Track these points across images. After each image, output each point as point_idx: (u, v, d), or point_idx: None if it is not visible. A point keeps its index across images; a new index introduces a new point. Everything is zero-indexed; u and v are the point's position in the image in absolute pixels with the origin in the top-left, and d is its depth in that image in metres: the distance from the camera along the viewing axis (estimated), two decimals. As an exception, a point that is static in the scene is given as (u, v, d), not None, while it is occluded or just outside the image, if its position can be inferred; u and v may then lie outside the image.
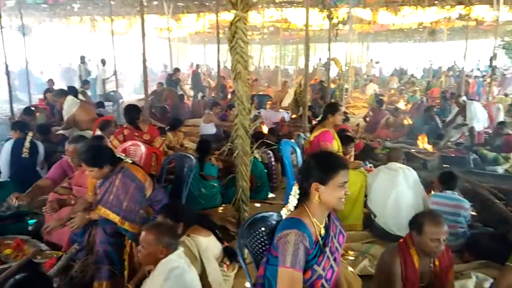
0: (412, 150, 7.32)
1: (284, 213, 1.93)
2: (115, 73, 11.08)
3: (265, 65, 28.33)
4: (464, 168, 6.31)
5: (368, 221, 4.28)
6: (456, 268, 3.44)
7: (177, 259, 2.14)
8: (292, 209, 1.89)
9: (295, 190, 1.89)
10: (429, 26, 15.03)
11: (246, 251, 2.15)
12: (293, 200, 1.89)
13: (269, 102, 10.62)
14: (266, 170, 5.12)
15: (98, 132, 4.82)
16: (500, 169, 6.38)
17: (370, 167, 5.04)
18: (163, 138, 5.24)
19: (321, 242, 1.83)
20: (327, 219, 1.92)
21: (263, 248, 2.11)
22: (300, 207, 1.86)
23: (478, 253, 3.57)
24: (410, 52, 29.50)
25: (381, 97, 12.42)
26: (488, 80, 11.29)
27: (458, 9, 11.99)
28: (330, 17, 8.78)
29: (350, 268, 3.36)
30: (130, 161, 3.16)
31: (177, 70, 12.80)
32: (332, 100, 9.96)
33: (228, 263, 3.07)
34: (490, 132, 8.07)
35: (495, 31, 9.80)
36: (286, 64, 31.23)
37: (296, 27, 15.44)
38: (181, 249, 2.24)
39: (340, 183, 1.79)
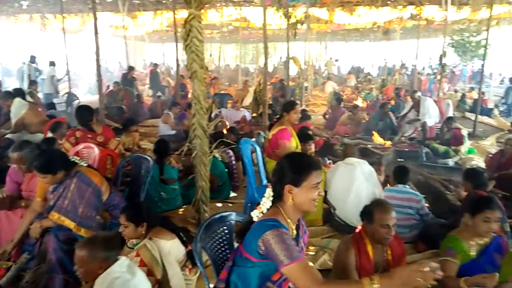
0: (369, 145, 7.60)
1: (256, 214, 1.89)
2: (68, 73, 10.61)
3: (226, 64, 28.31)
4: (417, 162, 6.62)
5: (328, 216, 4.36)
6: (410, 258, 3.59)
7: (117, 269, 2.04)
8: (265, 211, 1.87)
9: (268, 192, 1.88)
10: (383, 26, 15.55)
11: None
12: (266, 202, 1.87)
13: (230, 101, 10.61)
14: (227, 170, 5.10)
15: (50, 135, 4.62)
16: (450, 162, 6.73)
17: (329, 163, 5.11)
18: (119, 139, 5.07)
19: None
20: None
21: (223, 249, 2.07)
22: (275, 208, 1.84)
23: (431, 243, 3.72)
24: (366, 51, 30.49)
25: (339, 95, 12.74)
26: (439, 77, 11.85)
27: (409, 9, 12.49)
28: (287, 17, 8.87)
29: (310, 263, 3.43)
30: (85, 165, 3.05)
31: (131, 68, 12.46)
32: (292, 98, 10.09)
33: (190, 266, 3.02)
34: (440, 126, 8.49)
35: (444, 30, 10.28)
36: (247, 63, 31.36)
37: (255, 26, 15.49)
38: (123, 259, 2.14)
39: (313, 184, 1.78)
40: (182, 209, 4.52)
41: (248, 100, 8.95)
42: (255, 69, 23.11)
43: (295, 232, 1.85)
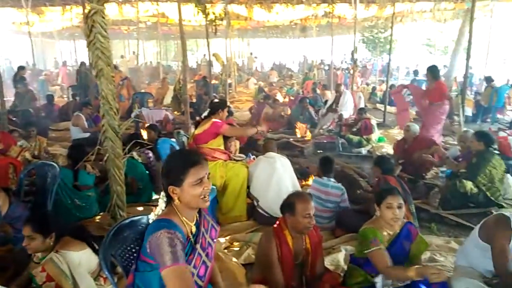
0: (291, 139, 7.85)
1: (152, 217, 1.86)
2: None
3: (147, 61, 27.35)
4: (334, 152, 6.98)
5: (252, 210, 4.42)
6: (328, 243, 3.80)
7: None
8: (160, 212, 1.83)
9: (162, 193, 1.84)
10: (299, 23, 16.14)
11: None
12: (161, 203, 1.84)
13: (151, 100, 10.26)
14: (148, 171, 4.91)
15: None
16: (363, 151, 7.21)
17: (253, 158, 5.17)
18: (23, 146, 4.63)
19: (192, 240, 1.80)
20: (197, 215, 1.90)
21: (134, 255, 1.98)
22: (169, 207, 1.81)
23: (346, 228, 3.96)
24: (286, 48, 31.43)
25: (264, 91, 12.98)
26: (352, 71, 12.61)
27: (322, 7, 13.12)
28: (205, 13, 8.79)
29: (234, 259, 3.44)
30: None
31: (21, 68, 11.33)
32: (215, 95, 10.05)
33: (105, 276, 2.86)
34: (354, 118, 9.05)
35: (354, 27, 10.93)
36: (169, 60, 30.55)
37: (175, 22, 15.15)
38: None
39: (194, 181, 1.74)
40: (98, 217, 4.26)
41: (168, 98, 8.67)
42: (179, 66, 22.68)
43: (194, 229, 1.82)
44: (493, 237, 2.50)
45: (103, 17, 2.87)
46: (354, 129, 7.54)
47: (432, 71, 6.37)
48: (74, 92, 11.72)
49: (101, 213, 4.29)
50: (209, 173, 1.80)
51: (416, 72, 16.00)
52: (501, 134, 6.60)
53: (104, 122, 3.11)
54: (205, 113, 4.49)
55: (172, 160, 1.83)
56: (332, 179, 4.17)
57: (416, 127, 5.58)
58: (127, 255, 1.98)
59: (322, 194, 4.07)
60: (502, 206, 4.36)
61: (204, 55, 27.02)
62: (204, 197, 1.77)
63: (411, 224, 2.79)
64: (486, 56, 12.97)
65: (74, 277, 2.55)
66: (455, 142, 7.19)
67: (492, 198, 4.38)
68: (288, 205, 2.61)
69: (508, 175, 4.96)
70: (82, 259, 2.65)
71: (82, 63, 12.36)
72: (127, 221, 2.03)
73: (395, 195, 2.65)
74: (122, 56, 21.06)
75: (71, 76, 20.42)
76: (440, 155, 5.25)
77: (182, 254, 1.64)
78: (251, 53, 27.57)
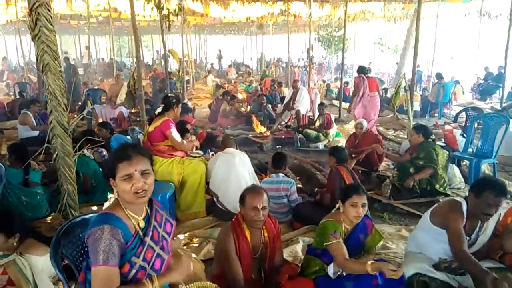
0: (250, 135, 7.87)
1: (101, 211, 1.83)
2: None
3: (100, 58, 26.30)
4: (293, 147, 7.11)
5: (212, 206, 4.40)
6: (287, 236, 3.86)
7: None
8: (107, 205, 1.81)
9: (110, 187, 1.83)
10: (256, 21, 16.19)
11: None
12: (111, 197, 1.83)
13: (104, 96, 9.90)
14: (102, 169, 4.75)
15: None
16: (320, 145, 7.39)
17: (212, 155, 5.15)
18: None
19: (141, 233, 1.79)
20: (148, 209, 1.88)
21: (85, 255, 1.92)
22: (116, 200, 1.81)
23: (304, 221, 4.04)
24: (244, 45, 31.47)
25: (223, 87, 12.89)
26: (308, 69, 12.85)
27: (278, 5, 13.24)
28: (159, 8, 8.59)
29: (193, 255, 3.42)
30: None
31: None
32: (173, 92, 9.87)
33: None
34: (311, 114, 9.26)
35: (310, 26, 11.14)
36: (124, 56, 29.61)
37: (128, 17, 14.70)
38: None
39: (121, 176, 1.72)
40: (50, 217, 4.06)
41: (123, 95, 8.41)
42: (134, 63, 22.00)
43: (142, 223, 1.82)
44: (448, 220, 2.61)
45: (49, 10, 2.73)
46: (317, 124, 7.66)
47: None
48: (21, 89, 11.12)
49: (52, 213, 4.11)
50: (146, 170, 1.77)
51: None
52: (447, 127, 6.99)
53: (52, 119, 2.97)
54: (159, 109, 4.40)
55: (112, 154, 1.88)
56: (282, 174, 4.20)
57: (365, 123, 5.81)
58: (78, 254, 1.91)
59: (273, 192, 4.07)
60: (448, 195, 4.62)
61: (158, 51, 26.37)
62: (137, 193, 1.73)
63: (367, 217, 2.86)
64: (433, 54, 13.64)
65: (36, 282, 2.45)
66: (405, 136, 7.55)
67: (439, 188, 4.63)
68: (241, 197, 2.64)
69: (454, 165, 5.28)
70: (45, 264, 2.52)
71: (4, 58, 11.57)
72: (78, 219, 1.97)
73: (361, 194, 2.68)
74: (86, 47, 19.87)
75: (17, 72, 19.31)
76: (379, 152, 5.47)
77: (117, 255, 1.65)
78: (219, 50, 26.90)
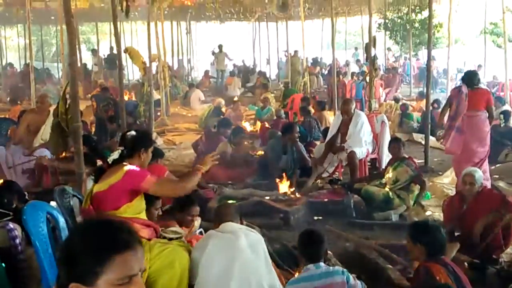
0: (266, 197, 5.23)
1: None
2: None
3: (7, 63, 17.82)
4: (343, 219, 4.77)
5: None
6: None
7: None
8: None
9: None
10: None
11: None
12: None
13: (12, 133, 6.17)
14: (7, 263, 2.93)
15: None
16: (393, 216, 4.84)
17: (200, 233, 3.45)
18: None
19: None
20: None
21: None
22: None
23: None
24: (255, 37, 20.43)
25: (222, 112, 9.32)
26: (368, 78, 8.55)
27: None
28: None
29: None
30: None
31: None
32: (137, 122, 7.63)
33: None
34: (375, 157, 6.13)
35: (369, 3, 7.94)
36: (48, 60, 22.09)
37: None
38: None
39: (117, 279, 1.04)
40: None
41: (47, 130, 5.30)
42: (65, 71, 10.68)
43: None
44: None
45: None
46: (388, 176, 5.03)
47: None
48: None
49: None
50: (144, 270, 1.29)
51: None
52: None
53: None
54: (114, 155, 2.98)
55: (81, 238, 1.13)
56: (323, 264, 2.77)
57: (480, 175, 3.53)
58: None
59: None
60: None
61: (94, 51, 17.52)
62: None
63: None
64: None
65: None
66: None
67: None
68: None
69: None
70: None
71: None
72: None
73: None
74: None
75: None
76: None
77: None
78: (220, 46, 16.79)
